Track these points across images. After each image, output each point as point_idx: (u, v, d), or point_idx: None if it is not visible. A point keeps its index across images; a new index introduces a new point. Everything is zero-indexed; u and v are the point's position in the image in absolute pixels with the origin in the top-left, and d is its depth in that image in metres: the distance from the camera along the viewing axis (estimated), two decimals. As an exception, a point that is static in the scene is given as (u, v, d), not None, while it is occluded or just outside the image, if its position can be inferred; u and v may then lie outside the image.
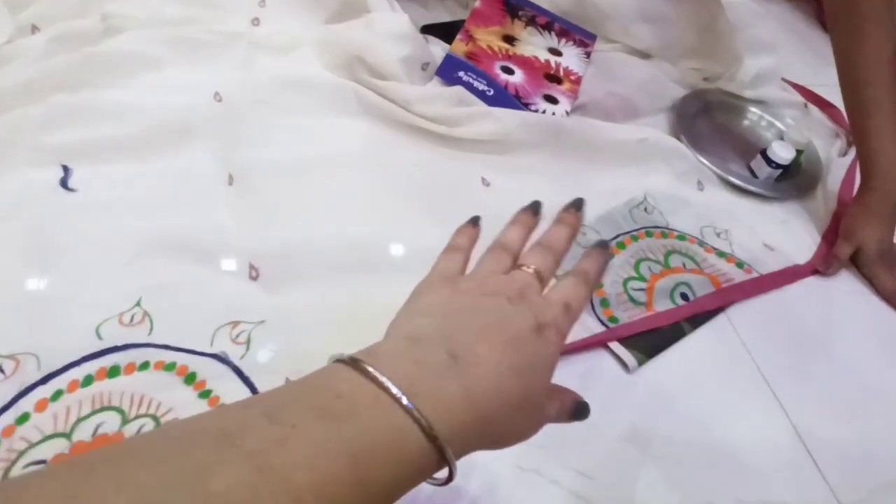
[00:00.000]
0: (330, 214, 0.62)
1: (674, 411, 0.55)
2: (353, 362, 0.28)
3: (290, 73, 0.72)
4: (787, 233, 0.72)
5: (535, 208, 0.42)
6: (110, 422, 0.45)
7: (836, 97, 0.88)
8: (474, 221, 0.42)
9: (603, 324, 0.58)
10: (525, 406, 0.31)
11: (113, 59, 0.68)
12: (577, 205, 0.42)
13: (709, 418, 0.55)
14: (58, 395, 0.46)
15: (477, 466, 0.48)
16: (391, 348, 0.31)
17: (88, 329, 0.49)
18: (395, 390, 0.27)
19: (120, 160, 0.61)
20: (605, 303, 0.59)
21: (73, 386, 0.47)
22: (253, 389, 0.49)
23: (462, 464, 0.28)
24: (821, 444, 0.55)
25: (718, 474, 0.52)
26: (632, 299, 0.60)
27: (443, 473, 0.29)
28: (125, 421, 0.46)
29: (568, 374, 0.55)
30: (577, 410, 0.36)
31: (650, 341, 0.58)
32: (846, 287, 0.69)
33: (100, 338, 0.49)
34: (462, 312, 0.33)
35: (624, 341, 0.57)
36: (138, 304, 0.52)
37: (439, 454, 0.27)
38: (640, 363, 0.56)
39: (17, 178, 0.58)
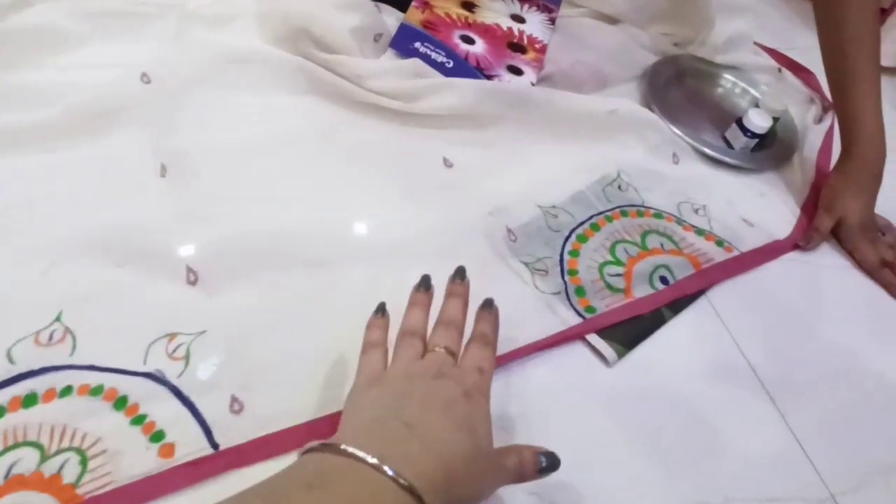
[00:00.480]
0: (276, 205, 0.56)
1: (658, 406, 0.51)
2: (325, 447, 0.33)
3: (227, 48, 0.65)
4: (766, 206, 0.68)
5: (425, 284, 0.47)
6: (27, 459, 0.40)
7: (809, 61, 0.85)
8: (381, 310, 0.46)
9: (579, 314, 0.54)
10: (478, 458, 0.36)
11: (23, 37, 0.61)
12: (460, 274, 0.47)
13: (695, 411, 0.52)
14: (-36, 432, 0.40)
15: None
16: (354, 431, 0.36)
17: (-3, 352, 0.43)
18: (369, 459, 0.31)
19: (33, 151, 0.54)
20: (580, 291, 0.55)
21: (-20, 421, 0.40)
22: (193, 410, 0.43)
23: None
24: (810, 431, 0.52)
25: (707, 470, 0.49)
26: (609, 286, 0.56)
27: None
28: (44, 457, 0.40)
29: (543, 371, 0.51)
30: (546, 466, 0.39)
31: (629, 331, 0.54)
32: (828, 262, 0.66)
33: (12, 361, 0.43)
34: (401, 395, 0.38)
35: (602, 332, 0.53)
36: (58, 319, 0.46)
37: (415, 501, 0.31)
38: (620, 355, 0.52)
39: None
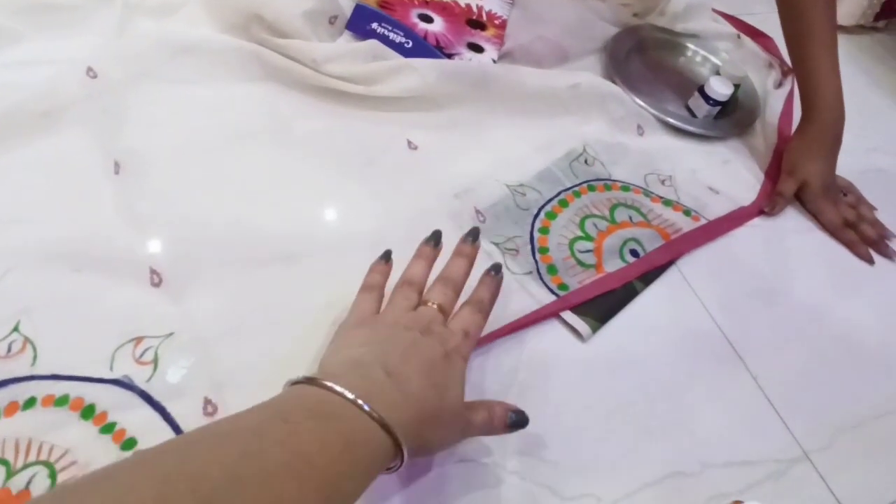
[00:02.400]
0: (237, 201, 0.54)
1: (632, 377, 0.52)
2: (312, 380, 0.35)
3: (175, 37, 0.62)
4: (730, 173, 0.69)
5: (435, 239, 0.48)
6: (-7, 477, 0.38)
7: (767, 27, 0.86)
8: (386, 257, 0.47)
9: (552, 292, 0.54)
10: (444, 415, 0.38)
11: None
12: (473, 234, 0.48)
13: (669, 380, 0.52)
14: (-79, 454, 0.38)
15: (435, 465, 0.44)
16: (339, 370, 0.38)
17: (-46, 367, 0.41)
18: (358, 399, 0.34)
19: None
20: (552, 269, 0.55)
21: (-60, 441, 0.39)
22: (165, 415, 0.42)
23: None
24: (781, 392, 0.54)
25: (683, 438, 0.50)
26: (580, 262, 0.56)
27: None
28: (10, 473, 0.38)
29: (519, 351, 0.51)
30: (514, 421, 0.42)
31: (601, 305, 0.54)
32: (791, 224, 0.67)
33: (-30, 376, 0.41)
34: (386, 342, 0.40)
35: (575, 308, 0.53)
36: (16, 329, 0.44)
37: (394, 444, 0.34)
38: (594, 330, 0.53)
39: None
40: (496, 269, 0.47)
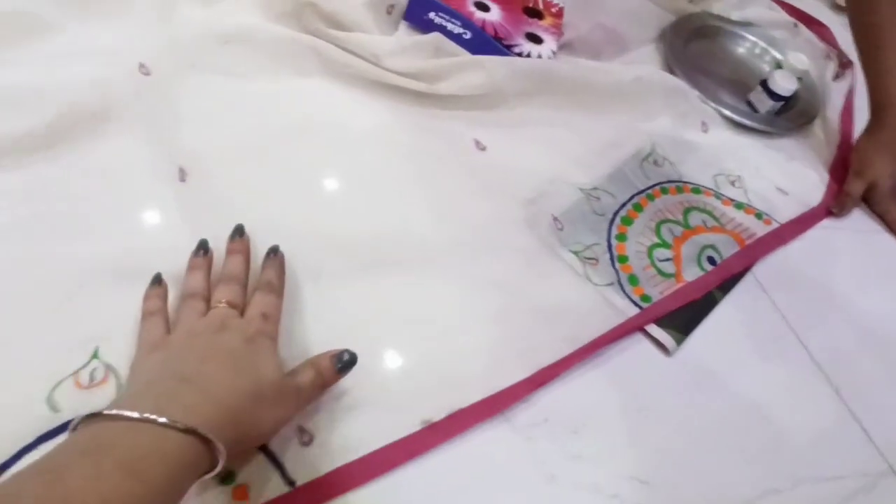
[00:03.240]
0: (304, 207, 0.51)
1: (718, 392, 0.51)
2: (92, 416, 0.32)
3: (223, 27, 0.58)
4: (795, 171, 0.67)
5: (203, 248, 0.46)
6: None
7: (822, 15, 0.83)
8: (157, 280, 0.44)
9: (635, 304, 0.52)
10: (263, 396, 0.37)
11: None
12: (239, 231, 0.47)
13: (754, 395, 0.51)
14: None
15: (534, 487, 0.42)
16: (130, 395, 0.36)
17: (37, 400, 0.38)
18: (136, 415, 0.31)
19: (25, 164, 0.47)
20: (633, 280, 0.53)
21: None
22: (262, 448, 0.40)
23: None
24: (863, 404, 0.53)
25: (773, 455, 0.49)
26: (660, 272, 0.54)
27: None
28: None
29: (603, 369, 0.49)
30: (341, 363, 0.41)
31: (684, 316, 0.53)
32: (860, 227, 0.65)
33: (54, 409, 0.38)
34: (181, 353, 0.38)
35: (658, 320, 0.52)
36: (95, 356, 0.41)
37: (203, 444, 0.32)
38: (679, 342, 0.51)
39: None
40: (274, 251, 0.46)
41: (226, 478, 0.38)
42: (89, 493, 0.28)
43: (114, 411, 0.32)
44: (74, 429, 0.32)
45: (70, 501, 0.28)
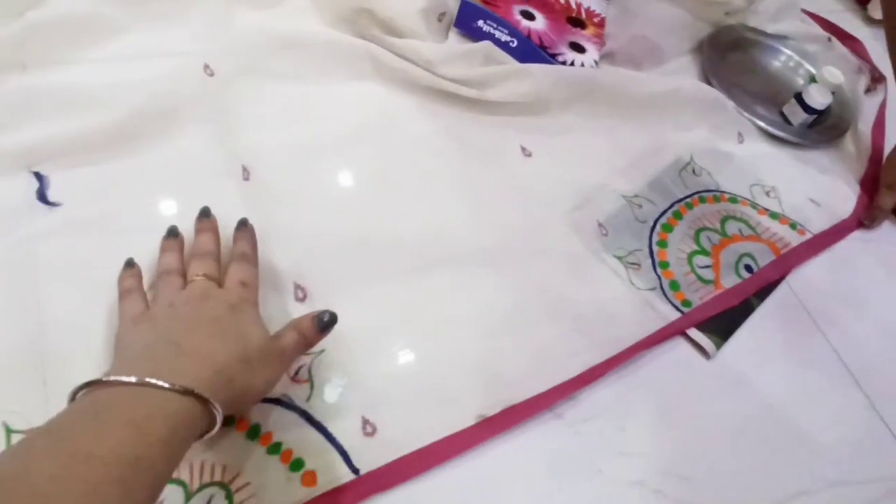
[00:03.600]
0: (363, 207, 0.54)
1: (754, 395, 0.53)
2: (92, 383, 0.33)
3: (281, 31, 0.60)
4: (827, 183, 0.69)
5: (173, 233, 0.46)
6: (172, 498, 0.38)
7: (856, 29, 0.85)
8: (130, 264, 0.45)
9: (677, 309, 0.54)
10: (252, 359, 0.38)
11: (52, 29, 0.54)
12: (205, 213, 0.47)
13: (787, 398, 0.53)
14: (100, 473, 0.38)
15: (582, 481, 0.45)
16: (124, 362, 0.38)
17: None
18: (135, 379, 0.33)
19: (96, 161, 0.50)
20: (674, 285, 0.55)
21: (115, 460, 0.39)
22: (328, 436, 0.42)
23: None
24: (894, 410, 0.55)
25: (804, 458, 0.51)
26: (700, 278, 0.56)
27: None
28: (189, 495, 0.39)
29: (647, 370, 0.51)
30: (322, 324, 0.42)
31: (723, 321, 0.55)
32: (892, 239, 0.67)
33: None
34: (168, 324, 0.39)
35: (699, 325, 0.54)
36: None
37: (201, 405, 0.34)
38: (718, 347, 0.53)
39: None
40: (244, 223, 0.47)
41: (295, 465, 0.41)
42: (98, 447, 0.29)
43: (112, 377, 0.33)
44: (73, 398, 0.33)
45: (78, 457, 0.29)
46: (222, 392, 0.35)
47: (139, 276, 0.44)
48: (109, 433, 0.30)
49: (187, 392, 0.33)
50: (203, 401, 0.34)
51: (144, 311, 0.41)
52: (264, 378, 0.40)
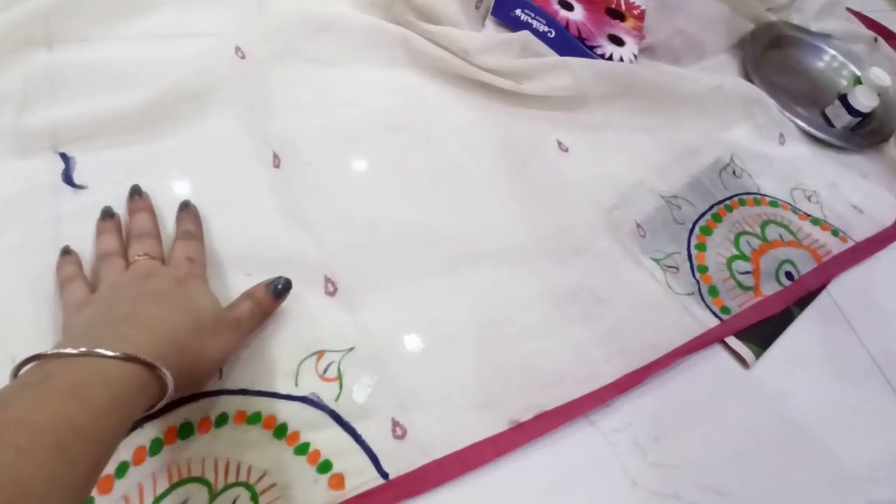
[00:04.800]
0: (395, 198, 0.52)
1: (793, 408, 0.51)
2: (34, 357, 0.32)
3: (315, 14, 0.58)
4: (870, 189, 0.67)
5: (108, 213, 0.44)
6: (196, 497, 0.37)
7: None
8: (66, 251, 0.43)
9: (716, 315, 0.52)
10: (203, 327, 0.38)
11: (83, 6, 0.53)
12: (136, 192, 0.46)
13: (828, 413, 0.51)
14: (123, 469, 0.37)
15: (615, 493, 0.43)
16: (72, 338, 0.36)
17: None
18: (76, 350, 0.31)
19: (125, 142, 0.48)
20: (713, 291, 0.53)
21: (139, 455, 0.37)
22: (356, 437, 0.41)
23: None
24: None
25: (846, 474, 0.49)
26: (740, 285, 0.54)
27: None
28: (213, 495, 0.37)
29: (684, 378, 0.50)
30: (277, 291, 0.42)
31: (762, 330, 0.53)
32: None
33: (160, 389, 0.40)
34: (113, 302, 0.37)
35: (738, 333, 0.52)
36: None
37: (148, 371, 0.33)
38: (758, 356, 0.51)
39: (-3, 176, 0.45)
40: (186, 205, 0.46)
41: (322, 467, 0.39)
42: (33, 414, 0.28)
43: (53, 350, 0.32)
44: (16, 374, 0.32)
45: (10, 424, 0.27)
46: (173, 361, 0.34)
47: (79, 263, 0.42)
48: (46, 401, 0.29)
49: (130, 358, 0.32)
50: (150, 367, 0.33)
51: (88, 295, 0.40)
52: (219, 347, 0.39)
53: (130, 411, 0.32)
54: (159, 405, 0.35)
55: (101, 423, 0.30)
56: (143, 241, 0.43)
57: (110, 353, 0.32)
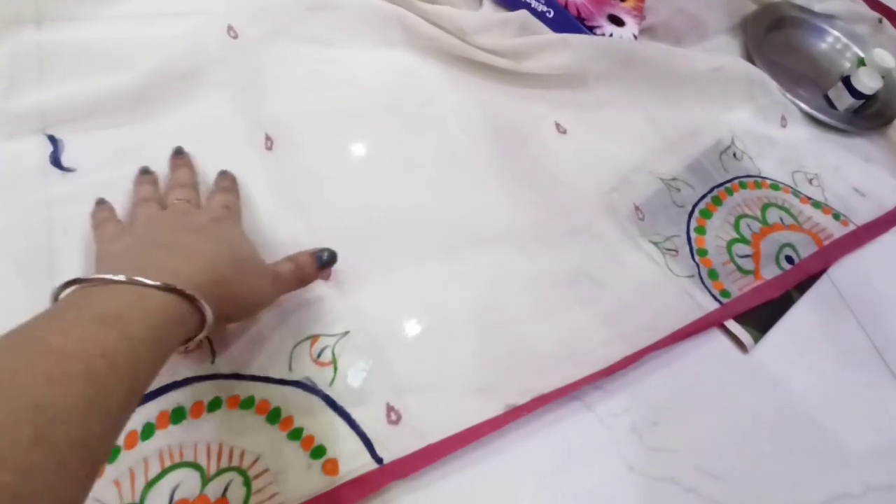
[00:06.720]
0: (390, 182, 0.51)
1: (792, 392, 0.50)
2: (72, 283, 0.31)
3: (308, -9, 0.57)
4: (872, 172, 0.66)
5: (147, 170, 0.45)
6: (188, 482, 0.37)
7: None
8: (101, 202, 0.43)
9: (715, 299, 0.52)
10: (244, 264, 0.37)
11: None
12: (179, 151, 0.47)
13: (827, 397, 0.51)
14: (115, 453, 0.36)
15: (612, 477, 0.43)
16: (111, 262, 0.36)
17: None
18: (116, 277, 0.31)
19: (116, 123, 0.48)
20: (713, 274, 0.53)
21: (131, 440, 0.37)
22: (350, 422, 0.40)
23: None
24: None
25: (844, 459, 0.49)
26: (740, 268, 0.54)
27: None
28: (206, 480, 0.37)
29: (681, 362, 0.49)
30: (322, 261, 0.42)
31: (761, 314, 0.52)
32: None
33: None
34: (152, 231, 0.38)
35: (737, 317, 0.51)
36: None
37: (187, 302, 0.32)
38: (756, 340, 0.51)
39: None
40: (223, 172, 0.46)
41: (316, 452, 0.39)
42: (68, 341, 0.27)
43: (92, 276, 0.31)
44: (56, 297, 0.31)
45: (41, 350, 0.27)
46: (213, 292, 0.33)
47: (112, 209, 0.43)
48: (80, 329, 0.28)
49: (170, 289, 0.31)
50: (190, 299, 0.32)
51: (124, 228, 0.40)
52: (258, 290, 0.38)
53: (168, 343, 0.31)
54: (198, 338, 0.34)
55: (136, 353, 0.29)
56: (182, 190, 0.43)
57: (150, 283, 0.31)
